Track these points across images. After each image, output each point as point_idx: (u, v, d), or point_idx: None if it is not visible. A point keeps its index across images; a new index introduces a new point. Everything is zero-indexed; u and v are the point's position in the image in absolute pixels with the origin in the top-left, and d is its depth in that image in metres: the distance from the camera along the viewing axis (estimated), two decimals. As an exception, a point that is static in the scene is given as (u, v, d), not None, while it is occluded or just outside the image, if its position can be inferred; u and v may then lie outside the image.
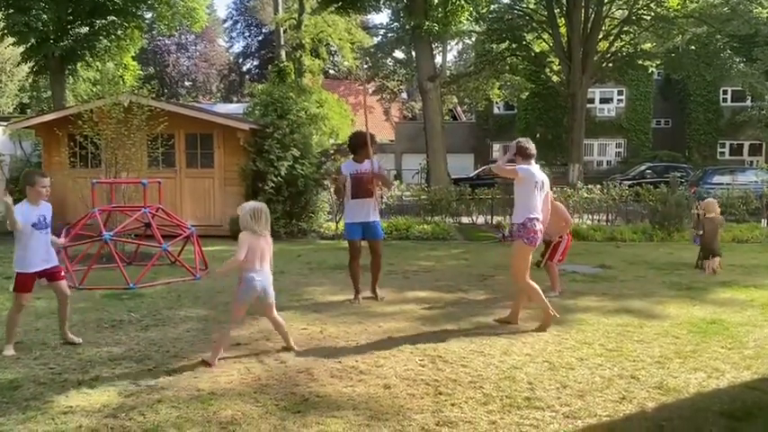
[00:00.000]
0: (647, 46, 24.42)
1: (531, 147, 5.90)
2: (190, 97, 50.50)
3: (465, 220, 15.08)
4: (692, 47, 22.98)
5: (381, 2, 23.75)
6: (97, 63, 20.81)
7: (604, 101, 34.26)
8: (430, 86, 21.66)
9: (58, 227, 6.20)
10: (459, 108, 43.56)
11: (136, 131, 10.01)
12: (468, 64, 36.17)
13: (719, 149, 33.35)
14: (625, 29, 23.07)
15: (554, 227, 6.80)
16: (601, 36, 23.10)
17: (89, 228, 8.58)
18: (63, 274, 5.21)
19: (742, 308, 6.64)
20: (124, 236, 8.70)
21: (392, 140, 38.69)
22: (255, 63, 54.30)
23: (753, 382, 4.40)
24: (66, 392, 4.11)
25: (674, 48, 23.35)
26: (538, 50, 24.65)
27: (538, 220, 5.74)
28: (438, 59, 28.63)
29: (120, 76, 17.61)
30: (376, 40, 33.27)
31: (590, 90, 25.72)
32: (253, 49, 55.05)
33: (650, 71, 29.45)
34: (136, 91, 11.95)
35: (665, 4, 22.18)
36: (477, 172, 28.70)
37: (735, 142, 33.24)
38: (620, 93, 33.94)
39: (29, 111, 28.06)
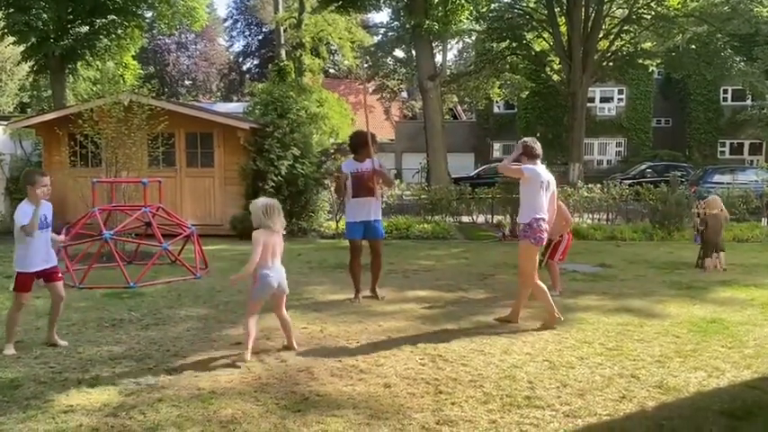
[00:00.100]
0: (648, 45, 24.38)
1: (537, 147, 5.87)
2: (190, 96, 50.51)
3: (465, 219, 15.08)
4: (693, 46, 22.92)
5: (381, 1, 23.77)
6: (97, 62, 20.76)
7: (605, 100, 34.24)
8: (430, 85, 21.66)
9: (58, 226, 6.21)
10: (459, 107, 43.55)
11: (136, 131, 10.01)
12: (469, 63, 36.16)
13: (720, 149, 33.34)
14: (625, 28, 23.04)
15: (554, 226, 6.79)
16: (601, 35, 23.06)
17: (89, 227, 8.59)
18: (60, 275, 5.20)
19: (742, 307, 6.64)
20: (124, 235, 8.69)
21: (392, 140, 38.66)
22: (255, 62, 54.33)
23: (753, 381, 4.40)
24: (66, 391, 4.11)
25: (674, 47, 23.30)
26: (538, 49, 24.62)
27: (544, 219, 5.72)
28: (438, 58, 28.54)
29: (121, 76, 17.55)
30: (376, 39, 33.29)
31: (590, 89, 25.67)
32: (253, 48, 55.09)
33: (650, 70, 29.39)
34: (136, 90, 11.97)
35: (666, 3, 22.13)
36: (477, 171, 28.69)
37: (735, 141, 33.23)
38: (620, 92, 33.93)
39: (29, 110, 28.01)
